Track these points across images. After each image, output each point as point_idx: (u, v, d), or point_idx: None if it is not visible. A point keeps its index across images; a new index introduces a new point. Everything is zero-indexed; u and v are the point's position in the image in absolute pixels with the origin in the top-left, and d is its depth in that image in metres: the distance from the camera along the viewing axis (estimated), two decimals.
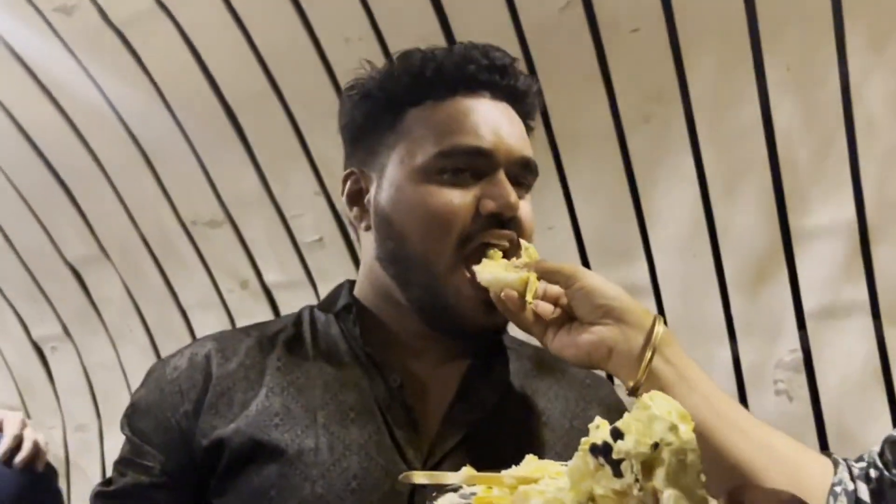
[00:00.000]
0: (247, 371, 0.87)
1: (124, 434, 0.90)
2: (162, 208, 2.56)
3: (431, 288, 0.85)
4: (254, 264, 2.55)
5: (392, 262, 0.89)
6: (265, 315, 2.58)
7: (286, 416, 0.83)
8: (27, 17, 2.28)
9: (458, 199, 0.84)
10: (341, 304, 0.94)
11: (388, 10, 2.01)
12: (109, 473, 0.90)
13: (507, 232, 0.86)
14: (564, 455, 0.87)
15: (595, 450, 0.54)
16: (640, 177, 1.95)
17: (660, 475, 0.52)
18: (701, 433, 0.69)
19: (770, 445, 0.73)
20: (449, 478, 0.57)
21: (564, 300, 0.82)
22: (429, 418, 0.86)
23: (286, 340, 0.92)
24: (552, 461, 0.63)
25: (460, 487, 0.60)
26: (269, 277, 2.55)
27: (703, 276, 1.90)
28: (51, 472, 1.50)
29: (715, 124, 1.86)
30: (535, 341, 0.85)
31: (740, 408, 0.78)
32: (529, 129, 0.97)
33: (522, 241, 0.86)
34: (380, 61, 0.96)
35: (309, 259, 2.46)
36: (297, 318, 0.96)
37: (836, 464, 0.74)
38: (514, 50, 1.90)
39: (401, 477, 0.62)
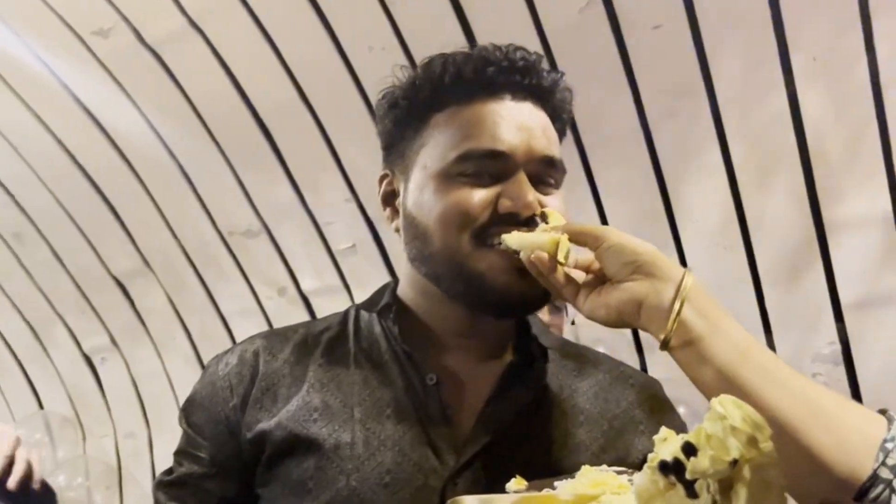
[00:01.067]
0: (291, 367, 0.86)
1: (181, 427, 0.89)
2: (201, 221, 2.52)
3: (461, 275, 0.82)
4: (290, 272, 2.50)
5: (422, 262, 0.85)
6: (303, 321, 2.53)
7: (325, 411, 0.82)
8: (67, 42, 2.25)
9: (475, 196, 0.81)
10: (383, 303, 0.91)
11: (411, 18, 1.94)
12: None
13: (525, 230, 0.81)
14: (602, 457, 0.81)
15: (665, 467, 0.46)
16: (668, 172, 1.86)
17: (741, 495, 0.44)
18: (736, 386, 0.65)
19: (811, 398, 0.66)
20: (501, 501, 0.49)
21: (595, 265, 0.76)
22: (463, 416, 0.83)
23: (330, 338, 0.90)
24: (612, 473, 0.55)
25: None
26: (305, 284, 2.49)
27: (735, 270, 1.80)
28: (48, 493, 1.41)
29: (742, 117, 1.77)
30: (579, 339, 0.78)
31: (778, 360, 0.70)
32: (561, 126, 0.90)
33: (546, 209, 0.81)
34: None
35: (343, 265, 2.40)
36: (343, 317, 0.93)
37: (891, 420, 0.65)
38: (537, 51, 1.82)
39: (449, 503, 0.55)
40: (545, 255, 0.75)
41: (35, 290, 3.01)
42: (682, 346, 0.68)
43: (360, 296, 2.54)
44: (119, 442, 3.09)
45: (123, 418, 3.08)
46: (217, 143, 2.34)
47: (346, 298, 2.44)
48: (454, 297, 0.85)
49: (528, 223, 0.80)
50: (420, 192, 0.84)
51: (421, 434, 0.80)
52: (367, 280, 2.33)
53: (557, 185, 0.86)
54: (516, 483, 0.57)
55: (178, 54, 2.21)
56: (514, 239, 0.77)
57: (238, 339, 2.65)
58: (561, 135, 0.90)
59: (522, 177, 0.81)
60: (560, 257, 0.74)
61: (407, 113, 0.88)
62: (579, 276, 0.77)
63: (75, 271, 2.90)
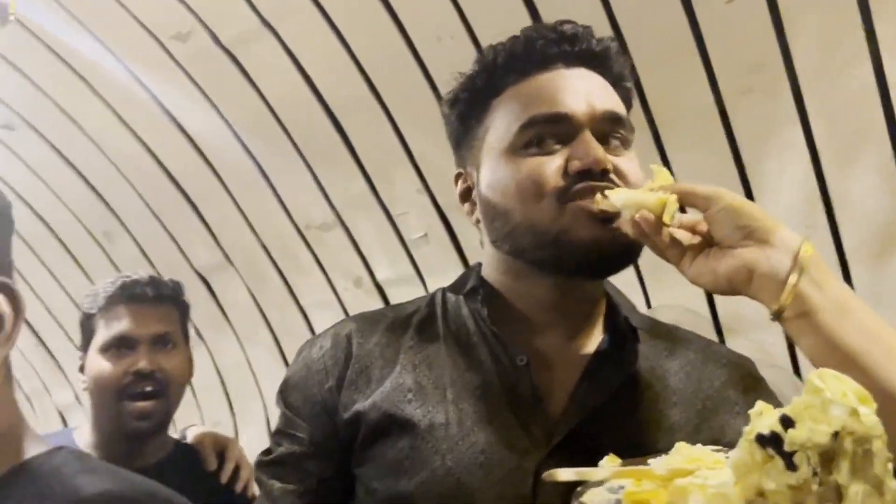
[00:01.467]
0: (383, 349, 0.87)
1: (278, 408, 0.91)
2: (278, 216, 2.59)
3: (545, 240, 0.81)
4: (365, 263, 2.54)
5: (504, 240, 0.85)
6: None
7: (418, 392, 0.83)
8: (148, 47, 2.34)
9: (546, 164, 0.81)
10: (469, 286, 0.91)
11: (479, 7, 1.94)
12: None
13: (603, 183, 0.80)
14: (695, 438, 0.77)
15: (762, 440, 0.46)
16: (746, 152, 1.81)
17: (843, 468, 0.43)
18: (856, 365, 0.62)
19: None
20: (596, 474, 0.50)
21: (702, 227, 0.74)
22: (554, 396, 0.82)
23: (420, 320, 0.91)
24: (707, 449, 0.54)
25: (607, 481, 0.52)
26: (380, 275, 2.54)
27: (820, 251, 1.74)
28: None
29: (824, 92, 1.70)
30: (670, 319, 0.77)
31: None
32: (623, 93, 0.89)
33: (654, 166, 0.79)
34: (472, 58, 0.94)
35: (416, 255, 2.43)
36: (431, 300, 0.94)
37: None
38: (606, 32, 1.80)
39: (545, 476, 0.56)
40: (650, 216, 0.73)
41: None
42: (796, 317, 0.66)
43: (433, 284, 2.56)
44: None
45: (210, 407, 3.20)
46: (292, 140, 2.40)
47: (420, 287, 2.47)
48: (541, 266, 0.84)
49: (603, 179, 0.79)
50: (493, 173, 0.85)
51: (512, 415, 0.80)
52: (440, 268, 2.35)
53: (627, 144, 0.85)
54: (609, 461, 0.58)
55: (253, 54, 2.28)
56: (619, 196, 0.75)
57: (317, 331, 2.73)
58: (626, 103, 0.89)
59: (587, 135, 0.81)
60: (666, 218, 0.72)
61: (468, 105, 0.89)
62: (685, 237, 0.75)
63: (161, 267, 3.02)
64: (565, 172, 0.80)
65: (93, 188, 2.95)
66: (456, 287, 0.93)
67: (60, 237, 3.22)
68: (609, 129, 0.83)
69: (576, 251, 0.80)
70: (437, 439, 0.79)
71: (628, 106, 0.90)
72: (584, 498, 0.50)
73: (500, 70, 0.86)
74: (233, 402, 3.12)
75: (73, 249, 3.23)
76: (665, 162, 1.93)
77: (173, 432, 1.58)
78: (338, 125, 2.31)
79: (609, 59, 0.88)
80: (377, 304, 2.58)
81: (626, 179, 0.82)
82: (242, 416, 3.08)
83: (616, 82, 0.88)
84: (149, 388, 1.40)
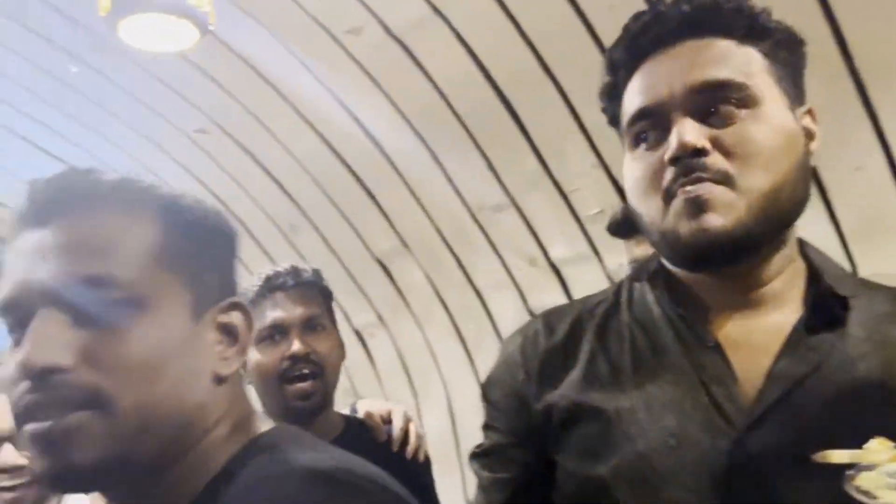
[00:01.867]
0: (569, 341, 0.89)
1: (483, 403, 0.97)
2: (452, 200, 2.62)
3: (657, 238, 0.81)
4: (539, 243, 2.52)
5: (644, 233, 0.85)
6: (555, 290, 2.54)
7: (604, 379, 0.84)
8: (324, 43, 2.45)
9: (650, 162, 0.80)
10: (652, 270, 0.90)
11: None
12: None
13: (694, 176, 0.76)
14: None
15: None
16: None
17: None
18: None
19: None
20: (874, 456, 0.44)
21: None
22: (748, 375, 0.78)
23: (605, 310, 0.91)
24: None
25: (882, 465, 0.46)
26: (554, 254, 2.50)
27: None
28: (428, 461, 1.59)
29: None
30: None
31: None
32: (770, 49, 0.81)
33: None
34: None
35: (591, 231, 2.37)
36: (617, 289, 0.94)
37: None
38: None
39: (816, 456, 0.51)
40: None
41: None
42: None
43: (612, 261, 2.49)
44: None
45: (393, 388, 3.32)
46: (463, 124, 2.41)
47: (597, 265, 2.41)
48: (670, 261, 0.84)
49: (695, 166, 0.76)
50: (624, 170, 0.85)
51: (703, 396, 0.78)
52: (618, 245, 2.27)
53: (746, 104, 0.78)
54: (880, 444, 0.51)
55: (423, 42, 2.31)
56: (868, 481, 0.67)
57: (493, 312, 2.75)
58: (771, 56, 0.81)
59: (679, 118, 0.78)
60: None
61: (608, 96, 0.88)
62: None
63: (343, 255, 3.17)
64: (665, 166, 0.78)
65: (279, 184, 3.14)
66: (639, 274, 0.92)
67: (251, 231, 3.46)
68: (710, 99, 0.78)
69: (682, 248, 0.79)
70: (627, 424, 0.80)
71: (790, 64, 0.82)
72: (859, 481, 0.45)
73: (616, 69, 0.86)
74: (414, 383, 3.22)
75: (262, 242, 3.47)
76: (872, 117, 1.74)
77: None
78: (508, 105, 2.29)
79: (721, 13, 0.82)
80: (553, 284, 2.55)
81: (733, 154, 0.77)
82: (424, 396, 3.17)
83: (750, 36, 0.81)
84: (305, 371, 1.45)
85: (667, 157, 0.77)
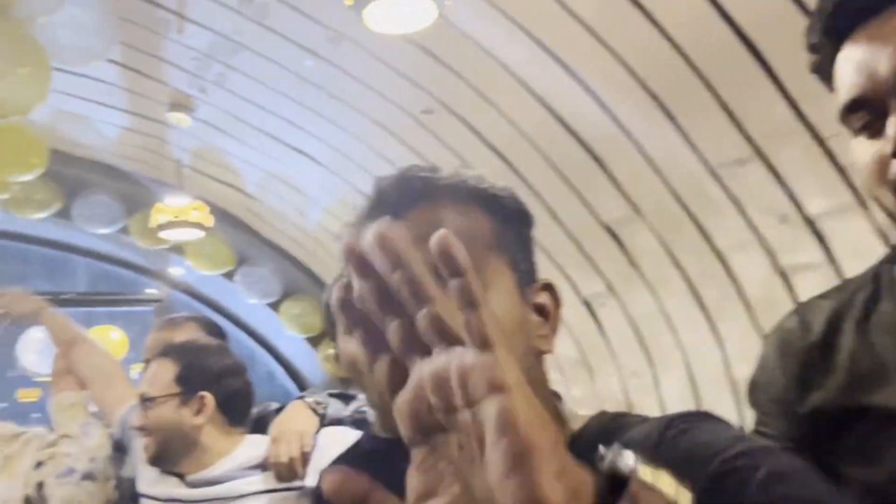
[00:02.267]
0: (828, 337, 0.84)
1: (750, 405, 0.95)
2: (686, 158, 2.49)
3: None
4: (791, 196, 2.31)
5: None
6: (811, 248, 2.33)
7: (871, 377, 0.79)
8: (546, 6, 2.42)
9: (871, 151, 0.74)
10: None
11: None
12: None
13: None
14: None
15: None
16: None
17: None
18: None
19: None
20: None
21: None
22: None
23: (864, 300, 0.85)
24: None
25: None
26: (811, 208, 2.28)
27: None
28: None
29: None
30: None
31: None
32: None
33: None
34: None
35: (858, 180, 2.12)
36: (875, 273, 0.87)
37: None
38: None
39: None
40: None
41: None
42: None
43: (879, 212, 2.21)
44: (626, 380, 3.27)
45: (626, 358, 3.24)
46: (698, 72, 2.27)
47: (861, 216, 2.16)
48: None
49: None
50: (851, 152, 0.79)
51: None
52: None
53: None
54: None
55: None
56: None
57: (737, 275, 2.58)
58: None
59: (894, 105, 0.72)
60: None
61: (818, 74, 0.82)
62: None
63: (570, 225, 3.14)
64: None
65: (504, 159, 3.17)
66: (893, 256, 0.85)
67: None
68: None
69: None
70: None
71: None
72: None
73: (817, 51, 0.80)
74: (650, 352, 3.12)
75: None
76: None
77: None
78: (751, 47, 2.12)
79: None
80: (808, 242, 2.34)
81: None
82: (662, 364, 3.06)
83: None
84: None
85: (888, 150, 0.72)
